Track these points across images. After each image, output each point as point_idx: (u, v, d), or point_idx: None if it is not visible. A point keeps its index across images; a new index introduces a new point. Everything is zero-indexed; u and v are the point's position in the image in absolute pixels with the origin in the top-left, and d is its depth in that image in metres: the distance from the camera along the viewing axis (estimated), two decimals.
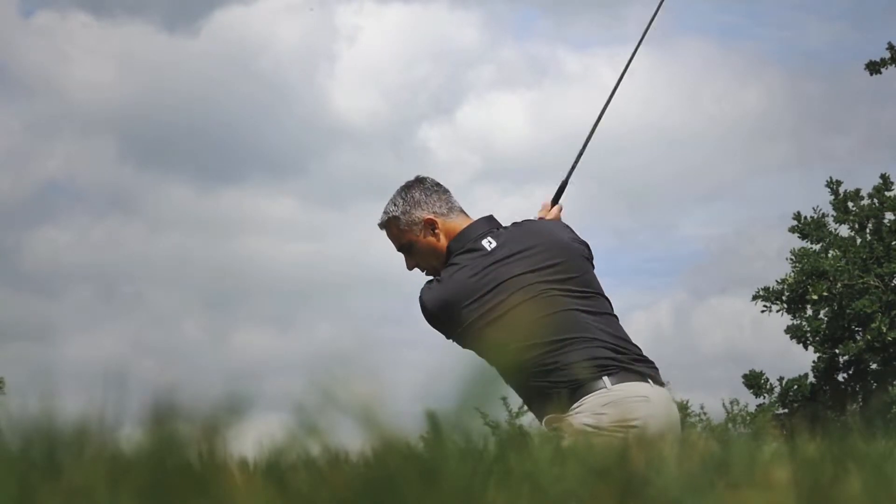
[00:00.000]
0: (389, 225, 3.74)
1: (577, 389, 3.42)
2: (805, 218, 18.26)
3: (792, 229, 18.30)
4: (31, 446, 1.21)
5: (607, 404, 3.40)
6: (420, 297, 3.60)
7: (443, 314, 3.56)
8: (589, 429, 3.35)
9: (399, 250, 3.75)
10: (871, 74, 16.85)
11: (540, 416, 3.50)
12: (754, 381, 18.24)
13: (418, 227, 3.69)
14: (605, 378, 3.44)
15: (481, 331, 3.50)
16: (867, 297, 16.88)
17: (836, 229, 18.18)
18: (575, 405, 3.41)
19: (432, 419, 1.27)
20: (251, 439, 1.28)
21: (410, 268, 3.73)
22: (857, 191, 18.35)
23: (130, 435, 1.23)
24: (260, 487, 1.17)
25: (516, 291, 3.52)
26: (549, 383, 3.44)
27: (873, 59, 16.78)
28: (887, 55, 16.78)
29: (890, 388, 16.97)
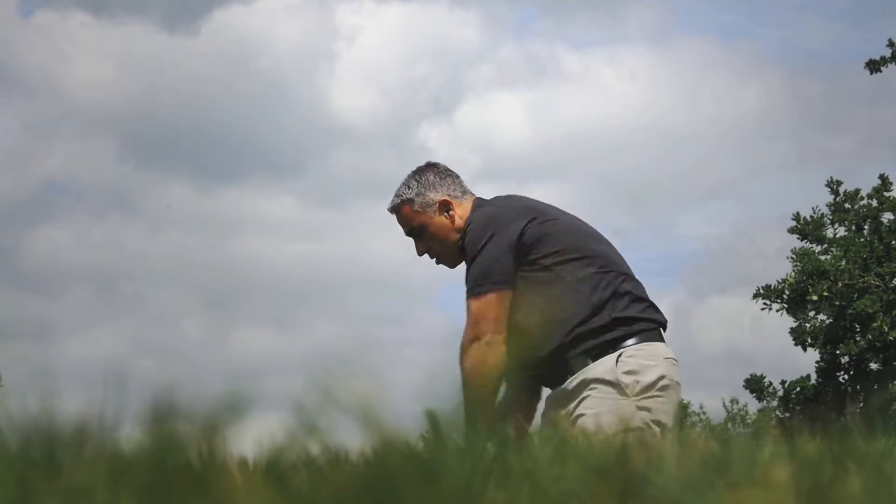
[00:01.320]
0: (401, 207, 3.65)
1: (647, 332, 3.42)
2: (804, 218, 18.28)
3: (791, 230, 18.32)
4: (30, 445, 1.21)
5: (668, 358, 3.43)
6: (474, 220, 3.49)
7: (504, 217, 3.47)
8: (662, 379, 3.36)
9: (409, 234, 3.66)
10: (871, 73, 16.84)
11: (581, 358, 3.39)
12: (756, 386, 18.23)
13: (432, 208, 3.62)
14: (661, 330, 3.50)
15: (542, 227, 3.44)
16: (868, 296, 16.87)
17: (835, 231, 18.21)
18: (641, 343, 3.40)
19: (432, 418, 1.27)
20: (251, 439, 1.28)
21: (420, 253, 3.63)
22: (857, 191, 18.36)
23: (130, 434, 1.23)
24: (260, 487, 1.17)
25: (563, 213, 3.58)
26: (605, 316, 3.39)
27: (873, 58, 16.77)
28: (888, 53, 16.76)
29: (890, 386, 16.96)
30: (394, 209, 3.67)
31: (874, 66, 16.79)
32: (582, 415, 3.38)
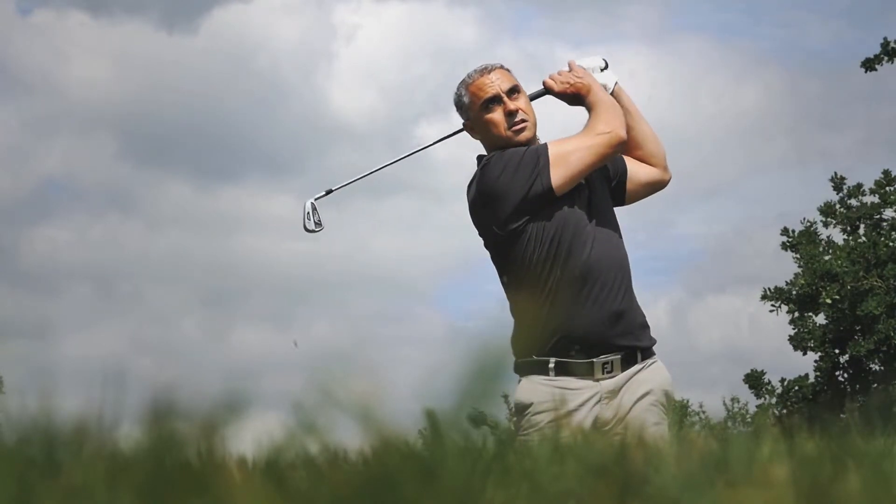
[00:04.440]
0: (501, 69, 3.72)
1: None
2: (793, 232, 18.19)
3: (783, 246, 18.21)
4: (29, 444, 1.21)
5: None
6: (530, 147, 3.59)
7: None
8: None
9: (509, 91, 3.64)
10: (867, 72, 16.91)
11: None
12: (755, 382, 18.21)
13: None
14: None
15: None
16: (873, 297, 16.81)
17: (828, 236, 18.14)
18: None
19: (431, 418, 1.27)
20: (250, 438, 1.28)
21: (512, 110, 3.60)
22: (859, 185, 18.32)
23: (129, 433, 1.23)
24: (259, 486, 1.17)
25: None
26: None
27: (868, 56, 16.85)
28: (886, 53, 16.82)
29: (890, 387, 16.93)
30: (499, 66, 3.73)
31: (869, 64, 16.85)
32: (659, 424, 3.41)
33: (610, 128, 3.52)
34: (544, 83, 3.78)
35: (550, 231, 3.43)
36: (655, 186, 3.82)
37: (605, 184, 3.67)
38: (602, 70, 3.85)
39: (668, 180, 3.82)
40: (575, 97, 3.71)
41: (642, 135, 3.77)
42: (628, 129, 3.66)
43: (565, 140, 3.53)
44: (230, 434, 1.23)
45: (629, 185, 3.75)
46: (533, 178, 3.43)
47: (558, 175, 3.43)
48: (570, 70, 3.78)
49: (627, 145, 3.71)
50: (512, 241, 3.47)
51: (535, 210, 3.43)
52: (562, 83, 3.74)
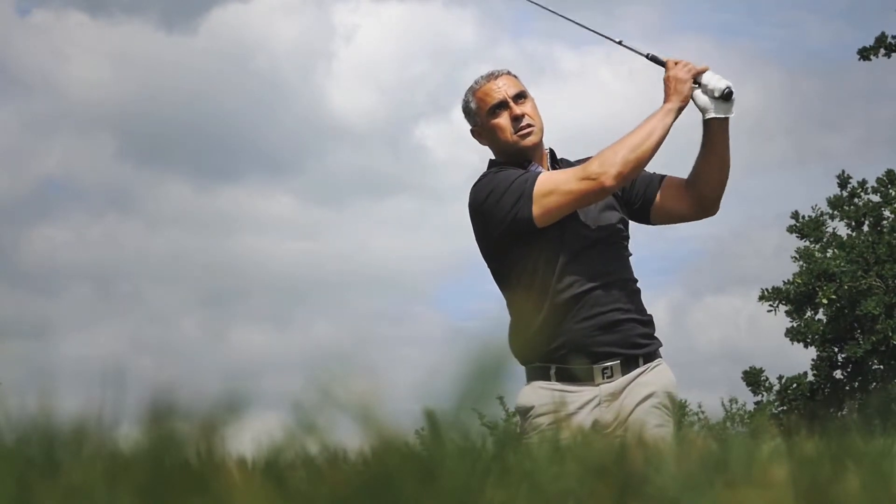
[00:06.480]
0: (508, 76, 3.70)
1: None
2: (803, 217, 18.29)
3: (790, 229, 18.32)
4: (28, 445, 1.21)
5: None
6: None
7: None
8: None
9: (515, 97, 3.62)
10: (860, 60, 17.20)
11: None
12: (754, 378, 18.26)
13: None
14: None
15: None
16: (872, 298, 16.85)
17: (834, 228, 18.22)
18: None
19: (430, 418, 1.27)
20: (249, 438, 1.28)
21: (519, 114, 3.60)
22: (863, 182, 18.40)
23: (128, 433, 1.23)
24: (258, 486, 1.17)
25: None
26: None
27: (865, 46, 17.14)
28: (882, 45, 17.08)
29: (889, 386, 16.96)
30: (507, 73, 3.70)
31: (865, 53, 17.12)
32: (662, 426, 3.40)
33: (602, 170, 3.36)
34: (667, 61, 3.67)
35: (538, 255, 3.42)
36: (684, 219, 3.71)
37: (620, 196, 3.63)
38: (717, 97, 3.60)
39: (706, 217, 3.70)
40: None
41: (705, 179, 3.64)
42: (699, 175, 3.61)
43: (555, 174, 3.48)
44: (230, 434, 1.23)
45: (656, 211, 3.66)
46: (516, 210, 3.40)
47: (538, 211, 3.40)
48: (694, 71, 3.60)
49: (687, 180, 3.65)
50: (501, 259, 3.49)
51: (521, 236, 3.42)
52: (669, 76, 3.63)
